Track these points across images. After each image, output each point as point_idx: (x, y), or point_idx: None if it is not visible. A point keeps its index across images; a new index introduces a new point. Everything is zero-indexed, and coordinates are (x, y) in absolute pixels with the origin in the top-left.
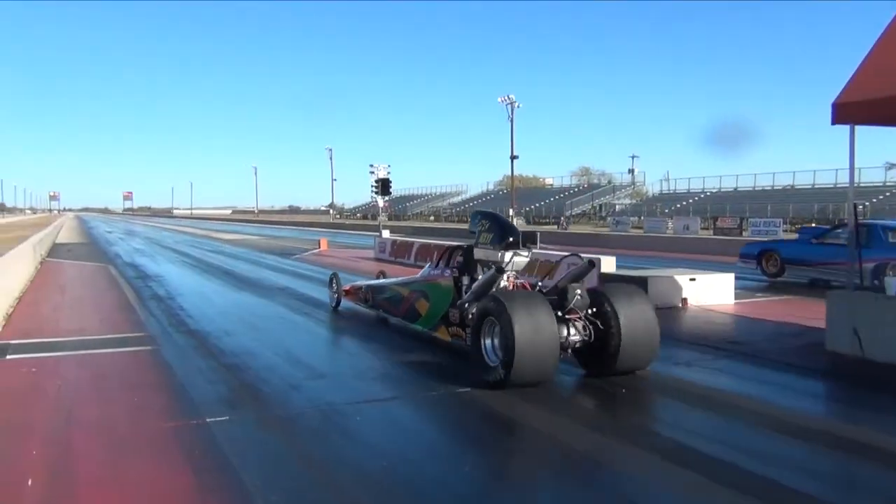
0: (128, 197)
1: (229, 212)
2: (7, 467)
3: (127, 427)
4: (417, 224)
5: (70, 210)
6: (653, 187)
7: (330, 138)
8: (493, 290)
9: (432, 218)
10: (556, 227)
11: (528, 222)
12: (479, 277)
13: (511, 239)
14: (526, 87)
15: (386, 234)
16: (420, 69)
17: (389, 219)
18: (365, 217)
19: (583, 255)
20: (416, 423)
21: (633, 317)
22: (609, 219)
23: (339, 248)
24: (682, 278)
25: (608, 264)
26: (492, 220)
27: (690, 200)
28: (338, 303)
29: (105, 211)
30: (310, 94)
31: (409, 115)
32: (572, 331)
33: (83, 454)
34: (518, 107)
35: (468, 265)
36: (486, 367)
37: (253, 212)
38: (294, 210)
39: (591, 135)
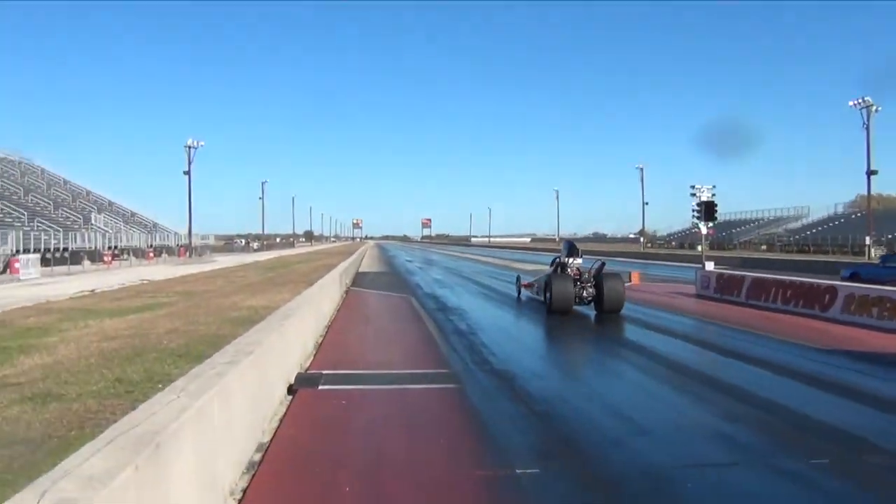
0: (426, 224)
1: (528, 239)
2: (324, 501)
3: (436, 470)
4: (746, 254)
5: (371, 238)
6: None
7: (638, 156)
8: (556, 273)
9: (764, 247)
10: None
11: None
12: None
13: (571, 250)
14: (877, 87)
15: (710, 266)
16: (748, 70)
17: (710, 248)
18: (681, 245)
19: None
20: (767, 499)
21: (611, 287)
22: None
23: (652, 282)
24: None
25: None
26: (567, 245)
27: None
28: (519, 292)
29: (404, 239)
30: (616, 108)
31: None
32: (584, 292)
33: (394, 496)
34: (876, 111)
35: (562, 266)
36: (544, 304)
37: (553, 239)
38: (598, 238)
39: None
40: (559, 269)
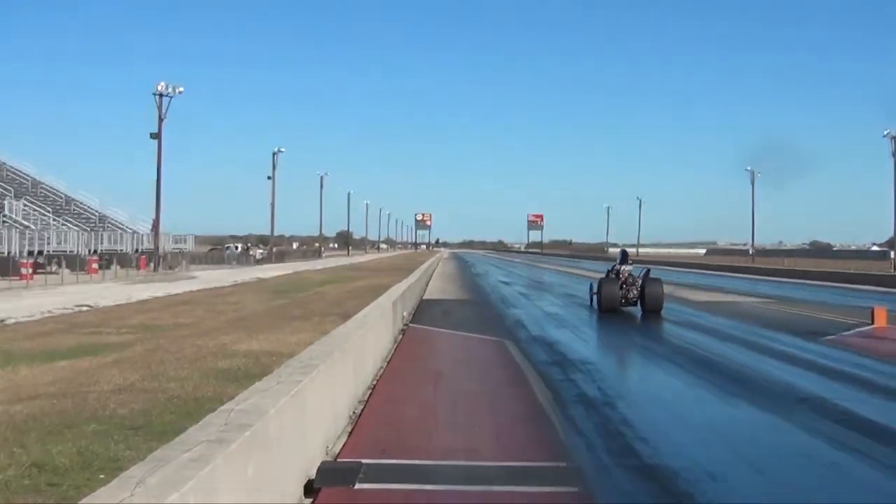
0: (535, 223)
1: (702, 251)
2: None
3: None
4: None
5: (445, 245)
6: None
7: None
8: (606, 278)
9: None
10: None
11: None
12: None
13: (623, 258)
14: None
15: None
16: None
17: None
18: None
19: None
20: None
21: (650, 290)
22: None
23: None
24: None
25: None
26: (621, 253)
27: None
28: (591, 299)
29: (499, 247)
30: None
31: None
32: (630, 293)
33: None
34: None
35: (616, 272)
36: (593, 306)
37: (745, 251)
38: (819, 249)
39: None
40: (612, 274)
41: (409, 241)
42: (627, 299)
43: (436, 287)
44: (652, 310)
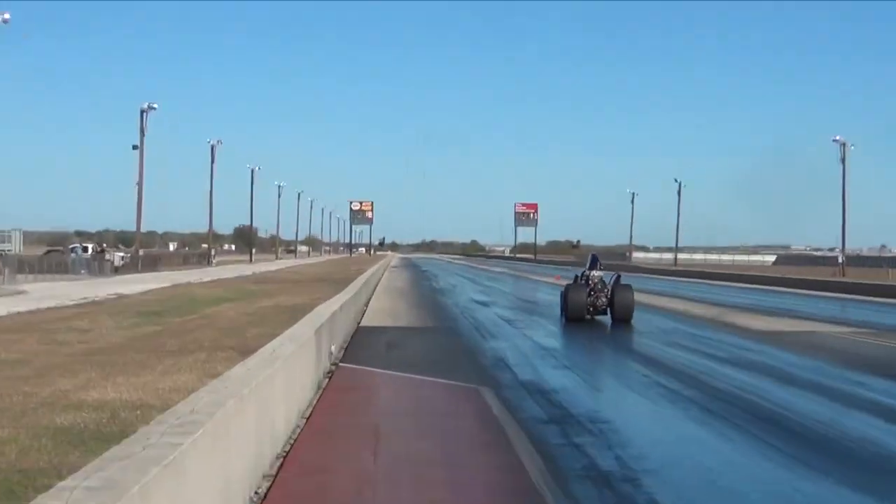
0: (525, 216)
1: (769, 259)
2: None
3: None
4: None
5: (397, 247)
6: None
7: None
8: (573, 284)
9: None
10: None
11: None
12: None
13: (593, 264)
14: None
15: None
16: None
17: None
18: None
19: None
20: None
21: (620, 297)
22: None
23: None
24: None
25: None
26: (591, 258)
27: None
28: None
29: (471, 251)
30: None
31: None
32: (598, 301)
33: None
34: None
35: (585, 278)
36: (561, 313)
37: (834, 257)
38: None
39: None
40: (580, 279)
41: (345, 241)
42: (596, 307)
43: (380, 308)
44: (621, 318)
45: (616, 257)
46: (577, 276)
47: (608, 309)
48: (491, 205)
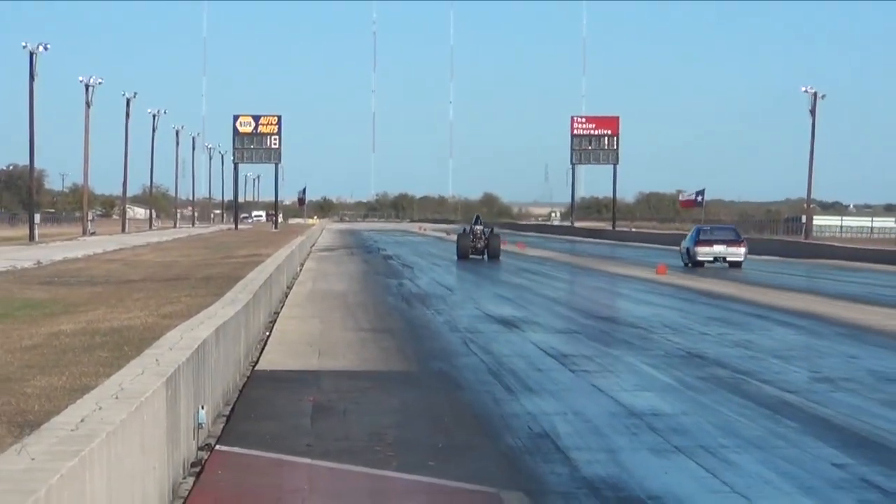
0: (600, 148)
1: None
2: None
3: None
4: None
5: (340, 214)
6: None
7: None
8: (462, 234)
9: None
10: None
11: None
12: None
13: (476, 220)
14: None
15: None
16: None
17: None
18: None
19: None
20: None
21: (492, 244)
22: None
23: None
24: None
25: None
26: (475, 217)
27: None
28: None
29: (502, 215)
30: None
31: None
32: (477, 245)
33: None
34: None
35: (471, 230)
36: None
37: None
38: None
39: None
40: (467, 231)
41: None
42: (476, 249)
43: (299, 327)
44: (493, 256)
45: (788, 228)
46: (464, 229)
47: (485, 251)
48: (524, 128)
